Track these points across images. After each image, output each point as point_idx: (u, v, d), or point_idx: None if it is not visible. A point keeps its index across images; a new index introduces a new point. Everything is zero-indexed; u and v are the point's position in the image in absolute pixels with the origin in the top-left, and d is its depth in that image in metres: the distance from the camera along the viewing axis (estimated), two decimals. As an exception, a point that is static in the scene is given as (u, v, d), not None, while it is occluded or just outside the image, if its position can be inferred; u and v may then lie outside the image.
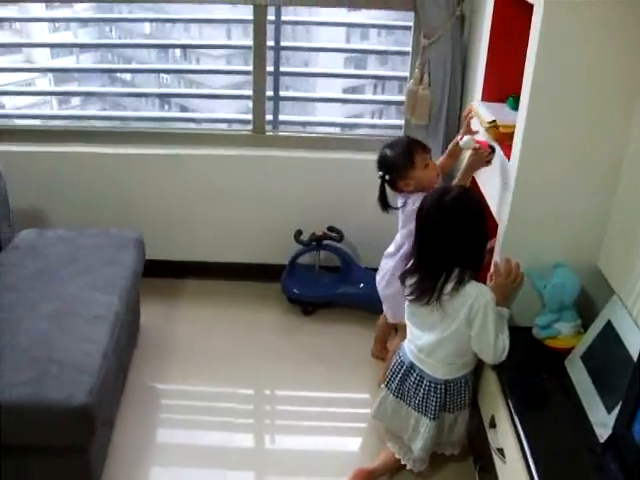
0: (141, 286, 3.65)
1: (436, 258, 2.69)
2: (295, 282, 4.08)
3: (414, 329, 2.87)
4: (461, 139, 3.01)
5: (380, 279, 3.35)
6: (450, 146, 3.24)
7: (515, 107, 2.79)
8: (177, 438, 3.25)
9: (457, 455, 3.04)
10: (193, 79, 6.60)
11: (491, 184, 2.98)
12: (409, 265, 2.82)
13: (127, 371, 3.50)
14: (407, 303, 2.85)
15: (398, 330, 3.42)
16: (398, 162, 3.09)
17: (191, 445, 3.20)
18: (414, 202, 3.01)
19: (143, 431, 3.23)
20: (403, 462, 2.97)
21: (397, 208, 3.18)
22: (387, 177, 3.12)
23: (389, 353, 3.48)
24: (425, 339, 2.80)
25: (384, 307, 3.41)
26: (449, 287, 2.66)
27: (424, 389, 2.83)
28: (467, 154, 3.03)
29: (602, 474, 2.11)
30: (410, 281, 2.79)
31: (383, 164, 3.15)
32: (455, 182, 2.97)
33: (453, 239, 2.65)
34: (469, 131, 3.10)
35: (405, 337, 3.10)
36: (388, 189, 3.18)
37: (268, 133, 4.13)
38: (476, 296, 2.64)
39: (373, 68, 6.11)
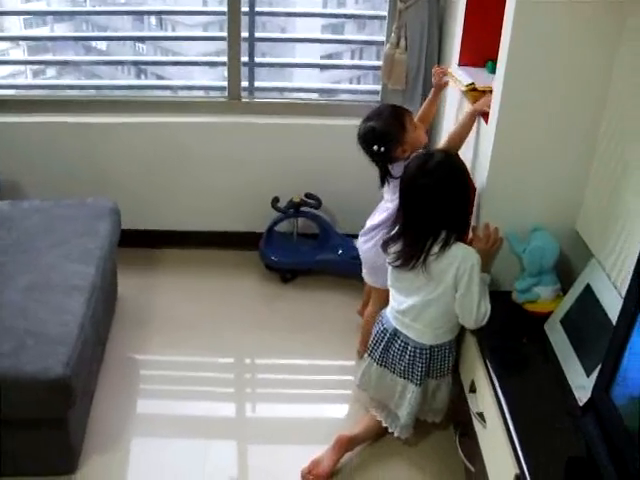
0: (118, 256, 3.63)
1: (423, 223, 2.69)
2: (273, 249, 4.06)
3: (398, 295, 2.87)
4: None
5: (372, 246, 3.31)
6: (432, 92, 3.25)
7: (494, 71, 2.76)
8: (157, 409, 3.24)
9: (438, 422, 3.05)
10: (170, 48, 6.52)
11: (468, 148, 2.97)
12: (394, 232, 2.80)
13: (105, 342, 3.48)
14: (391, 269, 2.85)
15: (372, 298, 3.41)
16: (391, 130, 3.01)
17: (172, 415, 3.19)
18: None
19: (123, 402, 3.22)
20: (390, 430, 2.98)
21: (397, 178, 3.01)
22: (383, 149, 3.01)
23: (364, 322, 3.48)
24: (411, 303, 2.80)
25: (366, 273, 3.40)
26: (435, 249, 2.67)
27: (409, 355, 2.83)
28: (449, 106, 3.00)
29: (581, 437, 2.12)
30: (394, 248, 2.79)
31: (374, 137, 3.02)
32: (459, 130, 2.97)
33: (439, 203, 2.64)
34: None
35: (379, 306, 3.16)
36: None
37: (244, 100, 4.09)
38: (462, 258, 2.65)
39: (351, 34, 6.06)
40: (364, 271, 3.39)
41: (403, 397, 2.89)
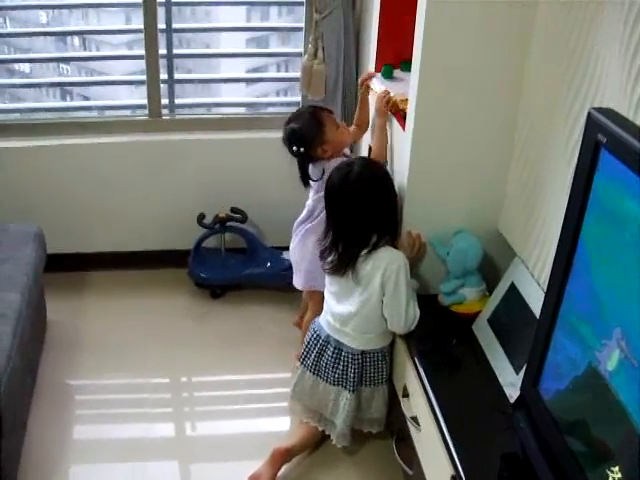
0: (45, 281, 3.57)
1: (352, 231, 2.72)
2: (201, 266, 4.03)
3: (331, 299, 2.89)
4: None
5: (294, 246, 3.34)
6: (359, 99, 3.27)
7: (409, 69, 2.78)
8: (94, 434, 3.19)
9: (375, 433, 3.05)
10: (95, 68, 6.46)
11: (388, 159, 2.99)
12: (327, 243, 2.81)
13: (37, 369, 3.41)
14: (326, 275, 2.87)
15: (309, 305, 3.42)
16: (310, 131, 3.05)
17: (109, 439, 3.14)
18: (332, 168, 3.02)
19: (58, 430, 3.15)
20: (329, 434, 2.98)
21: (316, 180, 3.11)
22: (302, 149, 3.05)
23: (303, 330, 3.47)
24: (341, 308, 2.82)
25: (295, 276, 3.40)
26: (364, 252, 2.69)
27: (343, 361, 2.84)
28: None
29: (513, 433, 2.14)
30: (330, 257, 2.80)
31: (294, 138, 3.07)
32: (375, 142, 3.03)
33: (365, 209, 2.68)
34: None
35: (317, 312, 3.15)
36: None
37: (165, 117, 4.06)
38: (389, 260, 2.67)
39: (276, 47, 6.08)
40: (294, 276, 3.41)
41: (337, 405, 2.89)
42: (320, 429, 3.01)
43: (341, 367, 2.85)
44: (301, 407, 3.07)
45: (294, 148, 3.06)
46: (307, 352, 2.98)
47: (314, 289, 3.28)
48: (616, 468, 1.59)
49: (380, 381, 2.90)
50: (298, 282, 3.39)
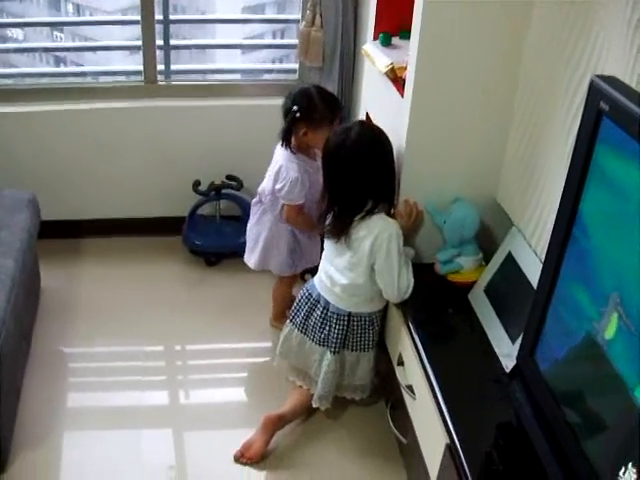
0: (39, 248, 3.55)
1: (348, 195, 2.71)
2: (196, 234, 4.03)
3: (325, 258, 2.91)
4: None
5: (250, 226, 3.41)
6: None
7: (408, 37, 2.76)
8: (88, 401, 3.19)
9: (369, 398, 3.06)
10: (89, 35, 6.42)
11: (386, 124, 2.97)
12: (324, 206, 2.81)
13: (31, 336, 3.40)
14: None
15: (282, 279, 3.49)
16: (319, 111, 3.05)
17: (103, 407, 3.14)
18: (288, 170, 3.10)
19: (52, 396, 3.15)
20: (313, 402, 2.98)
21: (294, 153, 3.13)
22: (298, 115, 3.04)
23: (272, 294, 3.56)
24: (333, 267, 2.83)
25: (248, 254, 3.46)
26: (358, 217, 2.68)
27: (328, 321, 2.85)
28: (366, 87, 3.08)
29: (508, 403, 2.14)
30: (327, 221, 2.80)
31: (302, 101, 3.06)
32: None
33: (361, 174, 2.66)
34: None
35: (287, 286, 3.31)
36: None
37: (160, 83, 4.02)
38: (381, 228, 2.66)
39: (272, 15, 6.05)
40: (247, 254, 3.46)
41: (320, 366, 2.90)
42: (305, 387, 3.02)
43: (327, 327, 2.86)
44: (287, 365, 3.09)
45: (294, 107, 3.04)
46: (296, 310, 2.99)
47: (266, 269, 3.37)
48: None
49: (366, 347, 2.90)
50: (251, 261, 3.42)
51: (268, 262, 3.36)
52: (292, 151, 3.12)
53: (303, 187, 3.10)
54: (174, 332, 3.58)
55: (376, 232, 2.66)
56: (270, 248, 3.31)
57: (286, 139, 3.12)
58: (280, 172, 3.13)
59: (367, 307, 2.85)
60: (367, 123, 2.96)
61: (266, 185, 3.23)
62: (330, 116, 3.06)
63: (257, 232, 3.34)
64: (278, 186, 3.14)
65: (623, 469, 1.50)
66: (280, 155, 3.16)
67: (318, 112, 3.05)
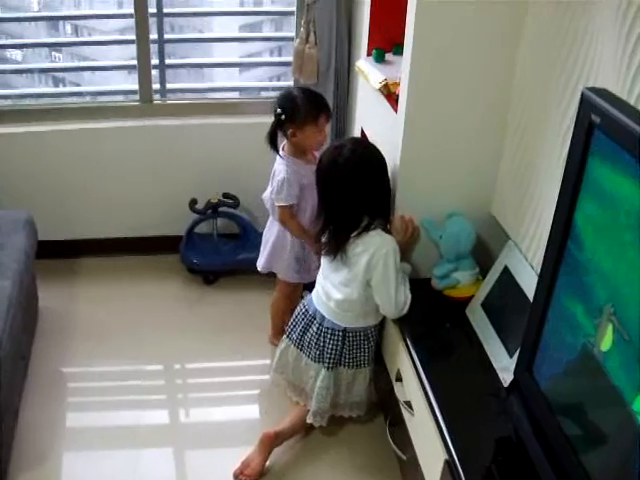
0: (37, 268, 3.55)
1: (343, 213, 2.71)
2: (194, 252, 4.02)
3: (321, 272, 2.92)
4: None
5: (268, 225, 3.42)
6: None
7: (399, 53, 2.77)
8: (87, 421, 3.18)
9: (368, 415, 3.06)
10: (87, 55, 6.45)
11: (380, 140, 2.97)
12: (320, 225, 2.82)
13: (29, 356, 3.40)
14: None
15: (277, 285, 3.49)
16: (302, 109, 3.06)
17: (102, 427, 3.13)
18: (278, 172, 3.14)
19: (50, 417, 3.14)
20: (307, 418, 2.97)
21: (283, 157, 3.18)
22: (283, 117, 3.07)
23: (270, 308, 3.55)
24: (329, 282, 2.83)
25: (259, 257, 3.48)
26: (354, 234, 2.69)
27: (323, 336, 2.85)
28: (360, 102, 3.09)
29: (507, 417, 2.14)
30: (323, 239, 2.81)
31: (285, 102, 3.09)
32: None
33: (356, 191, 2.66)
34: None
35: (282, 295, 3.35)
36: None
37: (156, 102, 4.04)
38: (378, 245, 2.66)
39: (269, 32, 6.07)
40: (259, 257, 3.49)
41: (316, 382, 2.90)
42: (301, 404, 3.02)
43: (322, 343, 2.86)
44: (284, 381, 3.09)
45: (278, 110, 3.07)
46: (293, 326, 2.99)
47: (272, 271, 3.41)
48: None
49: (362, 363, 2.90)
50: (259, 264, 3.46)
51: (274, 265, 3.38)
52: (280, 155, 3.16)
53: (291, 187, 3.12)
54: (173, 351, 3.57)
55: (373, 249, 2.66)
56: (277, 252, 3.33)
57: (272, 142, 3.15)
58: (273, 175, 3.20)
59: (362, 322, 2.84)
60: (359, 139, 2.97)
61: (267, 191, 3.27)
62: (314, 112, 3.06)
63: (267, 237, 3.37)
64: (270, 188, 3.22)
65: (622, 482, 1.50)
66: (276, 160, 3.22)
67: (301, 111, 3.06)
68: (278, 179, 3.14)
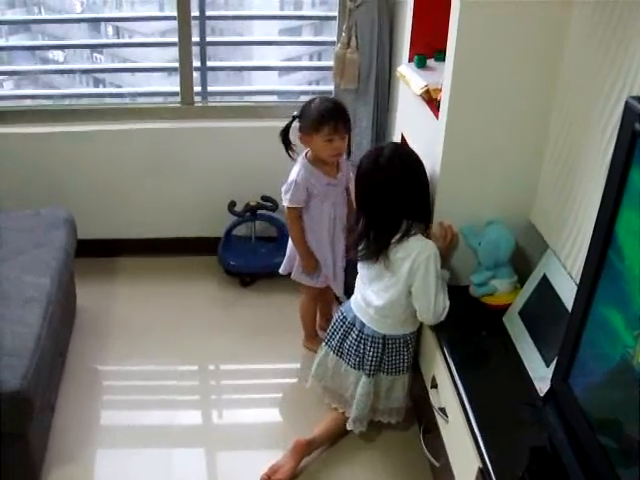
0: (76, 267, 3.59)
1: (384, 218, 2.71)
2: (232, 254, 4.04)
3: (360, 280, 2.92)
4: None
5: None
6: None
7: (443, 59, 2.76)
8: (120, 419, 3.21)
9: (403, 421, 3.05)
10: (128, 57, 6.49)
11: (421, 146, 2.97)
12: (358, 231, 2.81)
13: (66, 353, 3.44)
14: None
15: (304, 291, 3.51)
16: (309, 117, 3.09)
17: (135, 426, 3.17)
18: (292, 172, 3.20)
19: (85, 414, 3.17)
20: (347, 425, 2.97)
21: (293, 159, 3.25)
22: (296, 120, 3.17)
23: (301, 315, 3.57)
24: (369, 288, 2.83)
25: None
26: (395, 239, 2.68)
27: (363, 343, 2.85)
28: (400, 111, 3.03)
29: (542, 427, 2.12)
30: (361, 245, 2.80)
31: (303, 107, 3.16)
32: None
33: (396, 196, 2.67)
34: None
35: (309, 298, 3.37)
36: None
37: (197, 104, 4.07)
38: (419, 250, 2.66)
39: (308, 37, 6.06)
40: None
41: (356, 389, 2.90)
42: (340, 410, 3.01)
43: (362, 350, 2.86)
44: (321, 388, 3.09)
45: (296, 112, 3.17)
46: (332, 333, 2.99)
47: (291, 273, 3.43)
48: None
49: (401, 369, 2.90)
50: (281, 266, 3.49)
51: (290, 267, 3.42)
52: (299, 158, 3.23)
53: (298, 191, 3.17)
54: (208, 352, 3.59)
55: (415, 254, 2.66)
56: (292, 254, 3.38)
57: (284, 140, 3.21)
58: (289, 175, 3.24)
59: (400, 329, 2.84)
60: (397, 145, 2.97)
61: None
62: (317, 122, 3.06)
63: (290, 241, 3.39)
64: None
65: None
66: None
67: (307, 119, 3.10)
68: (289, 179, 3.19)
